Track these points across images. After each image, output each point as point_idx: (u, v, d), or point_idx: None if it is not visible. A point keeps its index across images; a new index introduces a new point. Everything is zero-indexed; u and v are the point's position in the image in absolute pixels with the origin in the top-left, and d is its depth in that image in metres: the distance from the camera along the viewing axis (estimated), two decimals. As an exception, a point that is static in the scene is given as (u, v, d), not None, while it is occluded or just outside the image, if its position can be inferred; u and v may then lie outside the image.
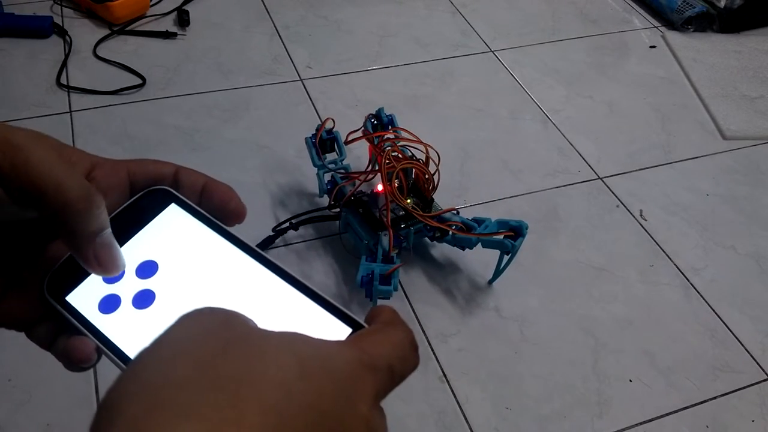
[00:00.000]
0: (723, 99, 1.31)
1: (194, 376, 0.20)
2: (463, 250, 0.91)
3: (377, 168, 0.87)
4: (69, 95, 1.20)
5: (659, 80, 1.36)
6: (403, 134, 0.93)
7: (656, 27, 1.51)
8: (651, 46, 1.45)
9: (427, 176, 0.88)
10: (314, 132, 0.94)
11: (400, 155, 0.88)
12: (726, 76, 1.36)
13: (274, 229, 0.96)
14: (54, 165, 0.25)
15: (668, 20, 1.51)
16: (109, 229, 0.27)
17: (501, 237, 0.85)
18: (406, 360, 0.24)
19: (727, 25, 1.47)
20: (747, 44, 1.45)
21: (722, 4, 1.46)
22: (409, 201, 0.87)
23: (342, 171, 0.94)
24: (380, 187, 0.86)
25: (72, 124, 1.14)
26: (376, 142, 0.92)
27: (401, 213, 0.87)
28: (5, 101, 1.17)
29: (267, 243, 0.95)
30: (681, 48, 1.43)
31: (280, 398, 0.20)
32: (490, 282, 0.94)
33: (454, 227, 0.86)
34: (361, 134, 0.94)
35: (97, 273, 0.27)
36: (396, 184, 0.85)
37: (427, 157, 0.89)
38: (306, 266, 0.94)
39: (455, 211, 0.89)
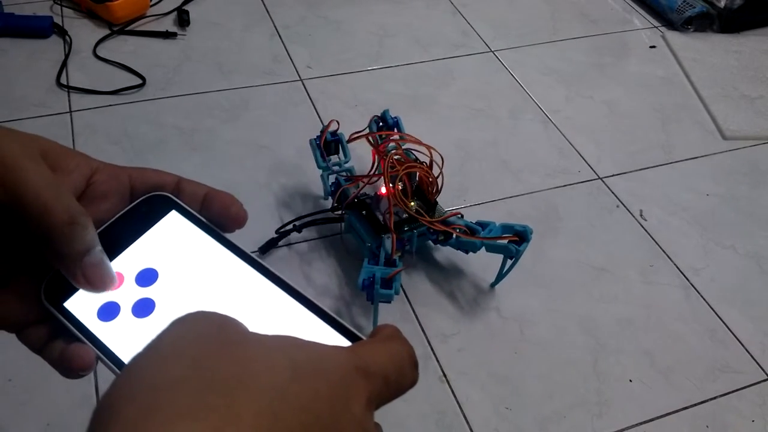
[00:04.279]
0: (723, 99, 1.31)
1: (190, 378, 0.20)
2: (467, 253, 0.90)
3: (381, 171, 0.87)
4: (69, 95, 1.20)
5: (659, 80, 1.36)
6: (406, 137, 0.92)
7: (656, 27, 1.51)
8: (651, 46, 1.45)
9: (431, 179, 0.87)
10: (318, 134, 0.94)
11: (403, 158, 0.88)
12: (726, 76, 1.36)
13: (277, 231, 0.96)
14: (42, 188, 0.25)
15: (668, 20, 1.51)
16: (99, 247, 0.27)
17: (505, 241, 0.85)
18: (404, 373, 0.24)
19: (727, 25, 1.47)
20: (747, 44, 1.45)
21: (722, 4, 1.46)
22: (412, 204, 0.86)
23: (346, 173, 0.93)
24: (383, 190, 0.86)
25: (72, 124, 1.14)
26: (378, 143, 0.92)
27: (404, 216, 0.87)
28: (5, 101, 1.17)
29: (270, 245, 0.95)
30: (681, 48, 1.43)
31: (275, 400, 0.20)
32: (492, 285, 0.94)
33: (458, 230, 0.86)
34: (364, 135, 0.93)
35: (88, 290, 0.27)
36: (400, 187, 0.84)
37: (431, 160, 0.89)
38: (307, 267, 0.94)
39: (459, 215, 0.89)
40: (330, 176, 0.94)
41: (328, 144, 0.94)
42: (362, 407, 0.22)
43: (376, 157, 0.89)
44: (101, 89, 1.21)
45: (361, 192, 0.89)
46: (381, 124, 0.97)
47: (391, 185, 0.84)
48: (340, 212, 0.93)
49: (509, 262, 0.89)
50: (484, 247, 0.86)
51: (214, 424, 0.18)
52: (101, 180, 0.29)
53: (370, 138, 0.92)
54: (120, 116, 1.16)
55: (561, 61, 1.38)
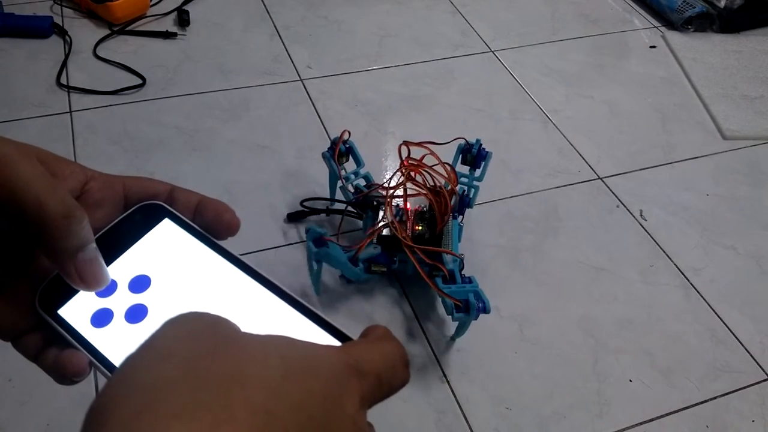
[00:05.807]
0: (723, 99, 1.31)
1: (183, 377, 0.20)
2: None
3: (399, 182, 0.85)
4: (69, 95, 1.20)
5: (659, 80, 1.36)
6: (439, 165, 0.87)
7: (656, 27, 1.51)
8: (651, 46, 1.45)
9: (442, 213, 0.84)
10: (330, 147, 0.91)
11: (426, 182, 0.84)
12: (726, 76, 1.36)
13: (302, 203, 0.99)
14: (36, 180, 0.25)
15: (668, 20, 1.51)
16: (93, 245, 0.27)
17: (451, 301, 0.78)
18: (395, 372, 0.24)
19: (727, 25, 1.47)
20: (747, 44, 1.45)
21: (722, 4, 1.46)
22: (420, 227, 0.85)
23: (363, 181, 0.93)
24: (408, 205, 0.85)
25: (72, 124, 1.13)
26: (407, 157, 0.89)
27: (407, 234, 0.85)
28: (5, 101, 1.17)
29: (297, 216, 0.99)
30: (681, 48, 1.43)
31: (269, 398, 0.20)
32: (453, 338, 0.88)
33: (440, 273, 0.82)
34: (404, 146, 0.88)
35: (81, 288, 0.27)
36: (410, 208, 0.84)
37: (451, 194, 0.86)
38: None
39: (462, 256, 0.84)
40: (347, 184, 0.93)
41: (341, 153, 0.92)
42: (355, 406, 0.22)
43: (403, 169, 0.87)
44: (101, 89, 1.20)
45: (379, 195, 0.89)
46: (466, 152, 0.93)
47: (401, 203, 0.83)
48: (361, 212, 0.94)
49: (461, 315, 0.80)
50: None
51: (208, 423, 0.18)
52: (95, 188, 0.29)
53: (403, 148, 0.87)
54: (120, 116, 1.16)
55: (561, 61, 1.38)
